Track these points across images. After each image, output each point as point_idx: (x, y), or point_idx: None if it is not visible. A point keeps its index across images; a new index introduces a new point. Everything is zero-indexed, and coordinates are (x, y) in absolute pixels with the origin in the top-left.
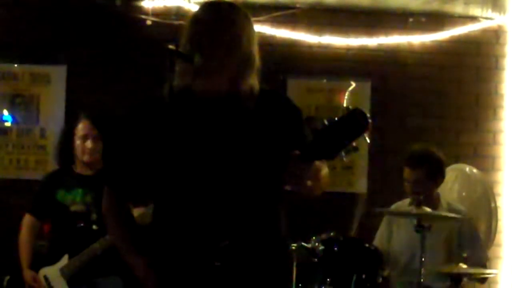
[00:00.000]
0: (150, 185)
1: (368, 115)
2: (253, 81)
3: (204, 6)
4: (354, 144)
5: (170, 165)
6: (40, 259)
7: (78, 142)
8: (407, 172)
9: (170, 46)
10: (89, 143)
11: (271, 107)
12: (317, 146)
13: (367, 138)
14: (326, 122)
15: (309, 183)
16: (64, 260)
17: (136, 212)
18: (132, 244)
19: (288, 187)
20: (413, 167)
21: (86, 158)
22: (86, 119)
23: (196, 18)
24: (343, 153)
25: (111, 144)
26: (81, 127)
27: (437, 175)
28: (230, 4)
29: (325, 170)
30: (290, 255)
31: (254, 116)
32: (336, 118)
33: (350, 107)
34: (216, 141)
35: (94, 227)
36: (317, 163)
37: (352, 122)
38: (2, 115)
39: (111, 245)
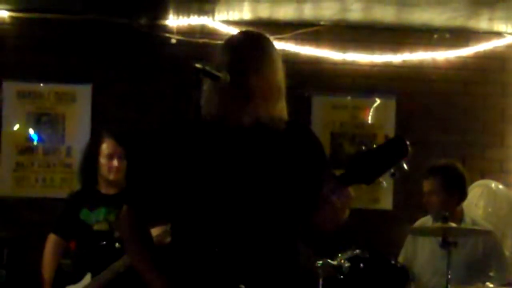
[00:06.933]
0: (170, 207)
1: (408, 142)
2: (282, 110)
3: (239, 34)
4: (392, 170)
5: (193, 189)
6: (65, 277)
7: (103, 161)
8: (423, 184)
9: (197, 65)
10: (115, 162)
11: (297, 140)
12: (356, 171)
13: (405, 166)
14: (364, 148)
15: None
16: (87, 278)
17: (155, 231)
18: (151, 263)
19: (322, 216)
20: (427, 177)
21: (112, 176)
22: (110, 138)
23: (230, 44)
24: (380, 179)
25: (135, 163)
26: (106, 146)
27: (453, 187)
28: (262, 34)
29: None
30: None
31: (280, 147)
32: (375, 145)
33: (389, 136)
34: (240, 168)
35: (117, 245)
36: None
37: (393, 150)
38: (29, 134)
39: None
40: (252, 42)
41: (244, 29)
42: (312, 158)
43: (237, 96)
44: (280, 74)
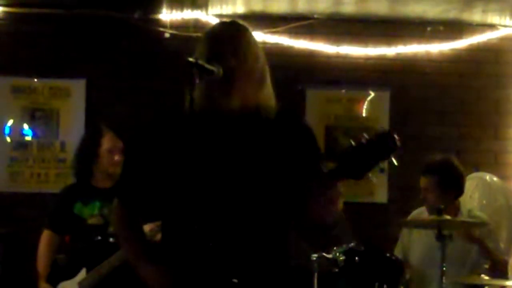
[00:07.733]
0: (162, 201)
1: (397, 137)
2: (269, 98)
3: (216, 24)
4: (381, 165)
5: (184, 183)
6: (60, 272)
7: (104, 155)
8: (420, 179)
9: (190, 59)
10: (116, 156)
11: (288, 129)
12: (344, 166)
13: (394, 161)
14: (353, 143)
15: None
16: (82, 273)
17: (146, 228)
18: (145, 257)
19: (313, 213)
20: (425, 175)
21: (112, 170)
22: (110, 132)
23: (208, 34)
24: (369, 174)
25: (128, 157)
26: (106, 140)
27: (450, 185)
28: (238, 22)
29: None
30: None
31: (270, 136)
32: (363, 140)
33: (380, 129)
34: (232, 160)
35: (111, 239)
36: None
37: (382, 145)
38: (23, 129)
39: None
40: (227, 27)
41: None
42: (304, 148)
43: (220, 81)
44: (261, 60)
